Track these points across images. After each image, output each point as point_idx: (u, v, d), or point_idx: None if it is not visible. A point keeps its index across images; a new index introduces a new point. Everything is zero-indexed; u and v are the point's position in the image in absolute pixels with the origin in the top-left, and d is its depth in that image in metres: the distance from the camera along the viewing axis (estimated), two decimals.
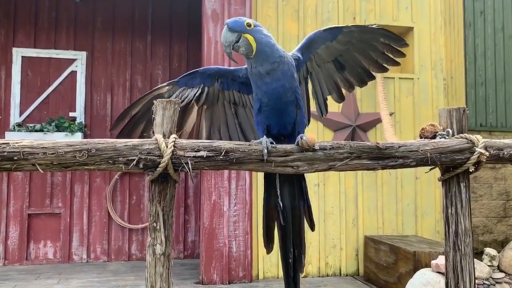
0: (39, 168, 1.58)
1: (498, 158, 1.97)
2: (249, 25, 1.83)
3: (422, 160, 1.89)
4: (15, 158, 1.56)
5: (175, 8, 6.10)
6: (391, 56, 2.11)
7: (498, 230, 6.22)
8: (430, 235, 5.06)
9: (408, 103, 5.23)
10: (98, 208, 5.66)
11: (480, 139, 1.92)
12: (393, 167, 1.91)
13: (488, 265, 3.52)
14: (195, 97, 2.05)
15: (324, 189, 4.95)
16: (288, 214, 2.06)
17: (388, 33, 2.07)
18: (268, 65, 1.85)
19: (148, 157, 1.65)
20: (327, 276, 4.87)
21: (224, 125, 2.12)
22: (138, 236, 5.74)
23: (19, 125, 5.46)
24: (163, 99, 1.77)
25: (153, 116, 1.76)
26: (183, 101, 2.01)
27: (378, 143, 1.87)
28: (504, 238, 6.16)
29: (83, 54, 5.80)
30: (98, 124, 5.79)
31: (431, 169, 2.04)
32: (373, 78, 2.17)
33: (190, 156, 1.68)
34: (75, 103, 5.73)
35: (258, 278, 4.69)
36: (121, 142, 1.66)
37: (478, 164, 1.93)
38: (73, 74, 5.77)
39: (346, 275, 4.91)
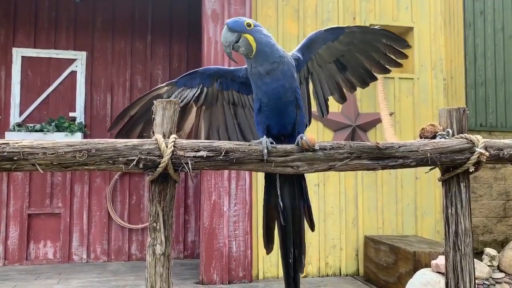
0: (39, 168, 1.58)
1: (498, 158, 1.97)
2: (249, 25, 1.83)
3: (422, 160, 1.89)
4: (15, 158, 1.56)
5: (175, 8, 6.10)
6: (393, 57, 2.10)
7: (498, 230, 6.22)
8: (430, 235, 5.06)
9: (408, 103, 5.23)
10: (98, 208, 5.66)
11: (480, 139, 1.91)
12: (393, 167, 1.91)
13: (488, 265, 3.52)
14: (194, 98, 2.04)
15: (324, 189, 4.95)
16: (288, 214, 2.06)
17: (390, 34, 2.06)
18: (268, 65, 1.85)
19: (148, 157, 1.65)
20: (327, 276, 4.87)
21: (223, 126, 2.11)
22: (138, 236, 5.74)
23: (19, 125, 5.46)
24: (163, 99, 1.77)
25: (153, 116, 1.76)
26: (182, 101, 2.00)
27: (378, 143, 1.87)
28: (504, 238, 6.16)
29: (83, 54, 5.80)
30: (98, 124, 5.79)
31: (431, 169, 2.04)
32: (375, 79, 2.16)
33: (190, 156, 1.68)
34: (75, 103, 5.73)
35: (258, 278, 4.69)
36: (121, 142, 1.66)
37: (478, 164, 1.92)
38: (73, 74, 5.77)
39: (346, 275, 4.91)
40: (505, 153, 1.97)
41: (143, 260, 5.42)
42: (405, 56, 2.10)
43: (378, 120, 4.97)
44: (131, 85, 5.94)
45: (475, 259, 2.09)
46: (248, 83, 1.98)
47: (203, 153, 1.70)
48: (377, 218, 5.04)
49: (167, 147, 1.65)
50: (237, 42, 1.82)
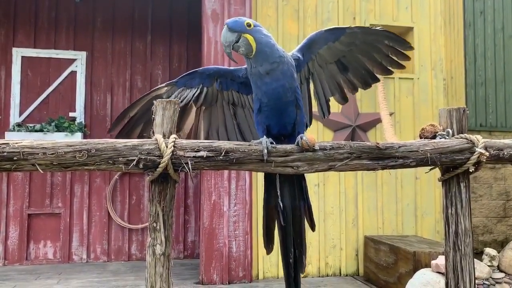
0: (39, 168, 1.58)
1: (498, 158, 1.97)
2: (249, 25, 1.83)
3: (422, 160, 1.89)
4: (15, 158, 1.55)
5: (175, 8, 6.10)
6: (395, 58, 2.08)
7: (498, 230, 6.22)
8: (430, 235, 5.06)
9: (408, 103, 5.23)
10: (98, 208, 5.66)
11: (480, 139, 1.91)
12: (393, 167, 1.91)
13: (488, 265, 3.52)
14: (193, 98, 2.04)
15: (324, 189, 4.95)
16: (288, 214, 2.05)
17: (393, 35, 2.05)
18: (268, 65, 1.85)
19: (148, 157, 1.65)
20: (327, 276, 4.87)
21: (223, 126, 2.11)
22: (138, 236, 5.74)
23: (19, 125, 5.46)
24: (163, 99, 1.77)
25: (153, 116, 1.76)
26: (181, 101, 2.00)
27: (378, 143, 1.87)
28: (504, 238, 6.16)
29: (83, 54, 5.80)
30: (98, 124, 5.79)
31: (431, 169, 2.04)
32: (378, 80, 2.15)
33: (190, 156, 1.68)
34: (75, 103, 5.73)
35: (258, 278, 4.69)
36: (121, 142, 1.66)
37: (478, 164, 1.92)
38: (73, 74, 5.77)
39: (346, 275, 4.91)
40: (505, 153, 1.96)
41: (143, 260, 5.43)
42: (407, 58, 2.08)
43: (378, 120, 4.97)
44: (131, 85, 5.94)
45: (475, 259, 2.09)
46: (248, 83, 1.98)
47: (203, 153, 1.70)
48: (377, 218, 5.04)
49: (167, 147, 1.65)
50: (237, 42, 1.82)
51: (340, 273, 4.92)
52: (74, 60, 5.78)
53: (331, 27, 2.06)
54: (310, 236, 4.63)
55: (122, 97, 5.89)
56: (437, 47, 5.33)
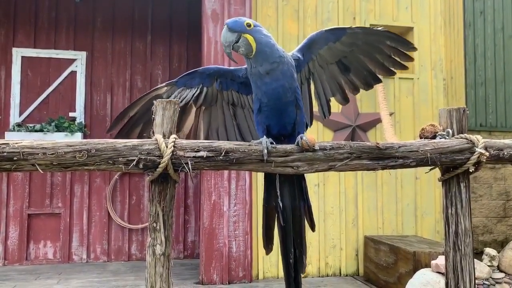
0: (38, 169, 1.58)
1: (498, 158, 1.97)
2: (249, 25, 1.82)
3: (422, 161, 1.89)
4: (15, 158, 1.55)
5: (175, 8, 6.10)
6: (398, 59, 2.06)
7: (498, 230, 6.22)
8: (430, 235, 5.06)
9: (408, 103, 5.23)
10: (98, 208, 5.66)
11: (480, 139, 1.91)
12: (393, 167, 1.91)
13: (488, 265, 3.52)
14: (193, 98, 2.04)
15: (324, 189, 4.95)
16: (288, 214, 2.05)
17: (395, 36, 2.03)
18: (268, 65, 1.85)
19: (148, 157, 1.65)
20: (327, 276, 4.87)
21: (222, 127, 2.11)
22: (138, 236, 5.74)
23: (19, 125, 5.46)
24: (163, 99, 1.77)
25: (153, 116, 1.76)
26: (181, 101, 1.99)
27: (378, 143, 1.87)
28: (504, 238, 6.16)
29: (83, 54, 5.80)
30: (98, 124, 5.79)
31: (431, 169, 2.04)
32: (380, 81, 2.13)
33: (190, 157, 1.68)
34: (75, 103, 5.73)
35: (258, 278, 4.69)
36: (121, 142, 1.66)
37: (478, 164, 1.92)
38: (73, 74, 5.77)
39: (346, 275, 4.91)
40: (505, 153, 1.96)
41: (143, 260, 5.43)
42: (410, 59, 2.06)
43: (378, 120, 4.97)
44: (131, 85, 5.94)
45: (475, 259, 2.09)
46: (248, 83, 1.98)
47: (203, 153, 1.70)
48: (377, 218, 5.04)
49: (167, 147, 1.65)
50: (237, 42, 1.82)
51: (340, 273, 4.92)
52: (74, 60, 5.78)
53: (332, 27, 2.05)
54: (310, 236, 4.63)
55: (122, 97, 5.89)
56: (437, 47, 5.33)
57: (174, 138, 1.69)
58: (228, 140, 2.08)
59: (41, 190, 5.54)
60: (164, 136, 1.71)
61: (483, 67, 6.38)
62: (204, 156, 1.69)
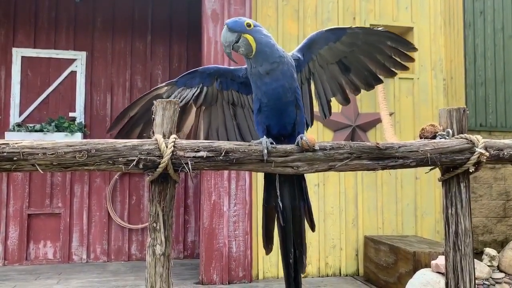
0: (38, 169, 1.58)
1: (498, 158, 1.97)
2: (249, 25, 1.82)
3: (422, 161, 1.89)
4: (15, 158, 1.55)
5: (175, 8, 6.10)
6: (399, 59, 2.06)
7: (498, 230, 6.22)
8: (430, 235, 5.06)
9: (408, 103, 5.23)
10: (98, 208, 5.66)
11: (480, 139, 1.91)
12: (393, 167, 1.91)
13: (488, 265, 3.52)
14: (193, 97, 2.04)
15: (324, 189, 4.95)
16: (288, 214, 2.05)
17: (395, 36, 2.02)
18: (268, 65, 1.84)
19: (148, 157, 1.65)
20: (327, 276, 4.87)
21: (222, 127, 2.10)
22: (138, 236, 5.74)
23: (18, 125, 5.46)
24: (163, 99, 1.77)
25: (153, 116, 1.76)
26: (181, 101, 1.99)
27: (378, 144, 1.87)
28: (504, 238, 6.16)
29: (83, 54, 5.80)
30: (98, 124, 5.79)
31: (431, 169, 2.04)
32: (381, 81, 2.12)
33: (190, 157, 1.68)
34: (75, 103, 5.73)
35: (258, 278, 4.69)
36: (121, 142, 1.66)
37: (478, 165, 1.92)
38: (73, 74, 5.77)
39: (346, 275, 4.91)
40: (505, 153, 1.96)
41: (143, 260, 5.43)
42: (411, 59, 2.06)
43: (378, 120, 4.97)
44: (131, 85, 5.94)
45: (475, 259, 2.09)
46: (248, 83, 1.98)
47: (203, 154, 1.69)
48: (377, 218, 5.04)
49: (167, 147, 1.65)
50: (237, 42, 1.81)
51: (340, 273, 4.92)
52: (74, 60, 5.78)
53: (332, 27, 2.04)
54: (310, 236, 4.63)
55: (122, 97, 5.89)
56: (437, 47, 5.33)
57: (174, 138, 1.69)
58: (228, 140, 2.07)
59: (41, 190, 5.54)
60: (164, 136, 1.71)
61: (483, 67, 6.38)
62: (204, 156, 1.69)
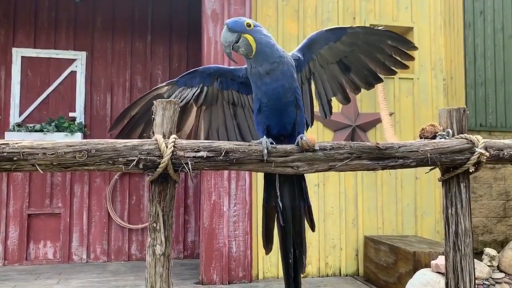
0: (38, 169, 1.58)
1: (498, 158, 1.97)
2: (249, 25, 1.82)
3: (422, 161, 1.89)
4: (15, 158, 1.55)
5: (175, 8, 6.10)
6: (399, 59, 2.06)
7: (498, 230, 6.22)
8: (430, 235, 5.06)
9: (408, 103, 5.23)
10: (98, 208, 5.66)
11: (480, 140, 1.91)
12: (393, 167, 1.91)
13: (488, 265, 3.52)
14: (194, 97, 2.04)
15: (324, 189, 4.95)
16: (288, 214, 2.05)
17: (396, 36, 2.03)
18: (268, 65, 1.84)
19: (148, 157, 1.65)
20: (327, 276, 4.87)
21: (223, 126, 2.11)
22: (138, 236, 5.74)
23: (18, 125, 5.45)
24: (163, 99, 1.77)
25: (153, 116, 1.76)
26: (182, 101, 2.00)
27: (378, 144, 1.87)
28: (504, 238, 6.17)
29: (83, 54, 5.80)
30: (98, 124, 5.79)
31: (431, 170, 2.04)
32: (381, 80, 2.12)
33: (190, 157, 1.68)
34: (75, 103, 5.73)
35: (258, 278, 4.69)
36: (121, 142, 1.66)
37: (478, 165, 1.92)
38: (73, 74, 5.77)
39: (346, 275, 4.91)
40: (505, 153, 1.96)
41: (143, 260, 5.43)
42: (411, 58, 2.06)
43: (378, 120, 4.97)
44: (131, 85, 5.94)
45: (475, 259, 2.09)
46: (248, 83, 1.98)
47: (203, 154, 1.69)
48: (377, 218, 5.04)
49: (167, 147, 1.65)
50: (237, 42, 1.81)
51: (340, 273, 4.92)
52: (74, 60, 5.78)
53: (332, 27, 2.04)
54: (310, 236, 4.63)
55: (122, 97, 5.89)
56: (437, 47, 5.33)
57: (174, 138, 1.69)
58: (228, 140, 2.08)
59: (41, 190, 5.54)
60: (164, 136, 1.71)
61: (483, 67, 6.38)
62: (204, 156, 1.69)
